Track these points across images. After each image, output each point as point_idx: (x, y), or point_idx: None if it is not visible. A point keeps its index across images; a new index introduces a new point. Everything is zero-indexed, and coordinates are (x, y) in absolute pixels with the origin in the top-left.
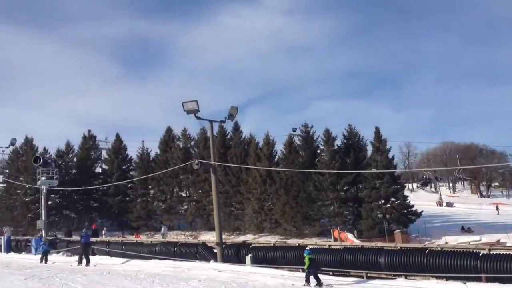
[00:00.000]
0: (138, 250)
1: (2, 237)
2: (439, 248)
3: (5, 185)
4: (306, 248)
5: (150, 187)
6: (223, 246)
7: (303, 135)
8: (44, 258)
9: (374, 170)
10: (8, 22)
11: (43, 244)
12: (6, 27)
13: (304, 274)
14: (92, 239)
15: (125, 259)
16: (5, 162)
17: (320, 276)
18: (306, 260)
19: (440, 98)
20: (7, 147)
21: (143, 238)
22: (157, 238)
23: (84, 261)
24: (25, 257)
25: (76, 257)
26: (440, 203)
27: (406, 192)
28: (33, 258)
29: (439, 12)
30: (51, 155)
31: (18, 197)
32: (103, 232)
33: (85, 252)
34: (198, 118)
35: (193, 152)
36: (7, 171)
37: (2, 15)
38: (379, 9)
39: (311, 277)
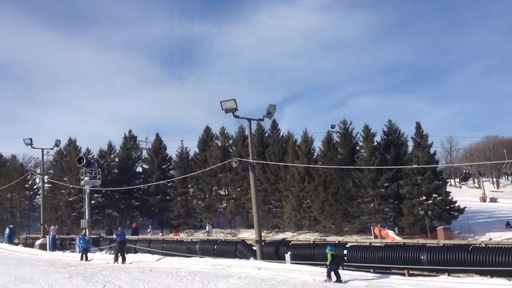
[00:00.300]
0: (178, 248)
1: (48, 236)
2: (483, 245)
3: (50, 185)
4: (328, 245)
5: (189, 185)
6: (263, 243)
7: (342, 131)
8: (84, 255)
9: (415, 165)
10: (52, 27)
11: (82, 242)
12: (51, 32)
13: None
14: (134, 237)
15: (166, 257)
16: (50, 163)
17: (343, 271)
18: (329, 256)
19: (484, 91)
20: (51, 149)
21: (183, 236)
22: (197, 236)
23: (120, 258)
24: (69, 255)
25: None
26: (483, 199)
27: (449, 188)
28: (77, 256)
29: (484, 2)
30: (94, 155)
31: (62, 197)
32: (148, 230)
33: (120, 250)
34: (237, 116)
35: (232, 150)
36: (51, 171)
37: (45, 20)
38: (420, 2)
39: (332, 272)
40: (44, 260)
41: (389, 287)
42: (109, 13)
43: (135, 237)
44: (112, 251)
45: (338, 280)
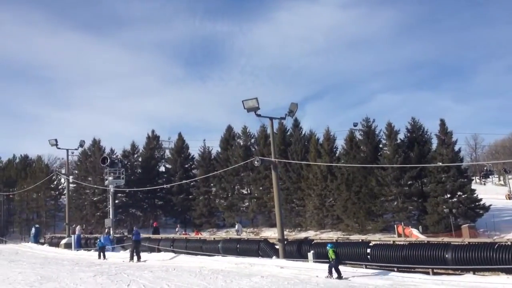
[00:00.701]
0: (201, 247)
1: (73, 235)
2: (508, 243)
3: (74, 185)
4: (328, 243)
5: (212, 185)
6: (285, 242)
7: (365, 129)
8: (101, 254)
9: (440, 163)
10: (76, 28)
11: (99, 241)
12: (75, 33)
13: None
14: (157, 236)
15: (180, 255)
16: (75, 164)
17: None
18: (331, 253)
19: (509, 87)
20: (76, 149)
21: (205, 235)
22: (220, 235)
23: (135, 257)
24: (94, 254)
25: (142, 253)
26: (509, 196)
27: (474, 186)
28: (113, 256)
29: None
30: (118, 155)
31: (87, 197)
32: (177, 230)
33: (136, 248)
34: (259, 115)
35: (254, 149)
36: (76, 172)
37: (71, 22)
38: None
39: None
40: (69, 259)
41: (414, 286)
42: (133, 15)
43: (158, 236)
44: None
45: (339, 276)
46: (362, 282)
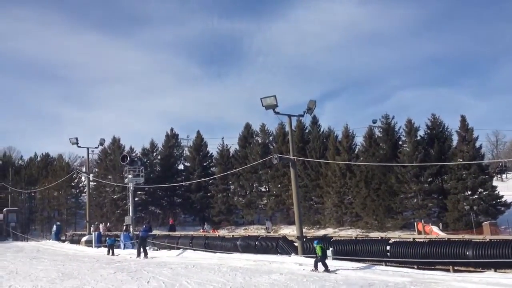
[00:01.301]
0: (220, 244)
1: (93, 233)
2: None
3: (95, 183)
4: (315, 239)
5: (230, 182)
6: (304, 239)
7: (384, 126)
8: (110, 250)
9: (460, 160)
10: (95, 28)
11: (108, 238)
12: (94, 33)
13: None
14: (177, 233)
15: (185, 251)
16: (95, 162)
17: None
18: (318, 249)
19: None
20: (96, 147)
21: (223, 232)
22: (238, 232)
23: (142, 254)
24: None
25: (161, 251)
26: None
27: (495, 182)
28: (121, 253)
29: None
30: (137, 153)
31: (107, 195)
32: (205, 227)
33: (142, 245)
34: (277, 113)
35: (272, 147)
36: (96, 170)
37: (90, 22)
38: None
39: (319, 263)
40: (90, 256)
41: (435, 283)
42: (151, 15)
43: (177, 234)
44: (156, 248)
45: (326, 270)
46: (347, 274)
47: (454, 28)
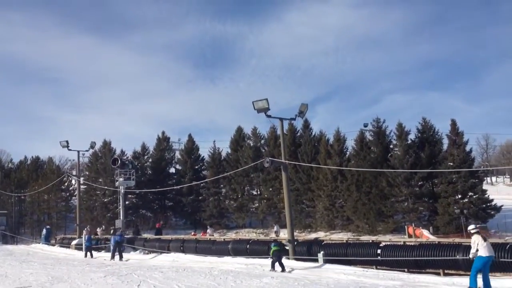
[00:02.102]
0: (211, 247)
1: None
2: None
3: (85, 187)
4: (272, 242)
5: (221, 186)
6: (295, 243)
7: (375, 130)
8: (88, 253)
9: (450, 164)
10: (88, 31)
11: (87, 241)
12: (87, 36)
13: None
14: (168, 237)
15: (160, 255)
16: (85, 165)
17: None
18: (272, 251)
19: None
20: (87, 150)
21: (215, 236)
22: (229, 236)
23: (117, 256)
24: (104, 255)
25: (152, 255)
26: None
27: (485, 186)
28: (99, 256)
29: None
30: (128, 157)
31: (98, 198)
32: (208, 231)
33: (118, 249)
34: (269, 116)
35: (264, 150)
36: (87, 173)
37: (83, 24)
38: None
39: (276, 264)
40: (80, 260)
41: (426, 286)
42: (143, 17)
43: (168, 237)
44: (147, 251)
45: (283, 270)
46: (339, 278)
47: (446, 32)
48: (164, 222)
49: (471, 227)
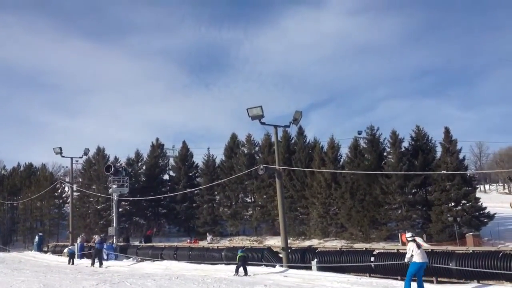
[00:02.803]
0: (204, 255)
1: (76, 244)
2: None
3: (78, 193)
4: (239, 249)
5: (215, 193)
6: (289, 250)
7: (369, 137)
8: (71, 260)
9: (444, 171)
10: (83, 36)
11: (69, 249)
12: (82, 41)
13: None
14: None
15: (192, 264)
16: (79, 172)
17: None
18: (238, 257)
19: None
20: (80, 157)
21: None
22: (223, 243)
23: (97, 263)
24: (96, 263)
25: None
26: None
27: (478, 194)
28: (104, 264)
29: None
30: (122, 163)
31: (91, 205)
32: (208, 239)
33: (98, 256)
34: (263, 123)
35: (258, 157)
36: (80, 180)
37: (78, 29)
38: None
39: (240, 268)
40: (72, 267)
41: None
42: (139, 23)
43: (161, 245)
44: (140, 259)
45: (245, 274)
46: (295, 281)
47: (441, 39)
48: (157, 229)
49: (408, 235)
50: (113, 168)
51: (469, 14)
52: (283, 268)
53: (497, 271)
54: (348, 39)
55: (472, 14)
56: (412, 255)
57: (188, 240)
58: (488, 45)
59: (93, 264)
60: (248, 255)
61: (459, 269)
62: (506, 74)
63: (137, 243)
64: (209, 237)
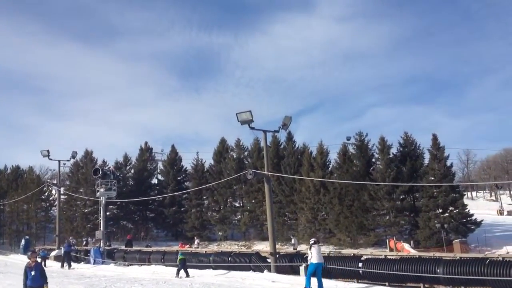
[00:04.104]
0: (192, 260)
1: (62, 248)
2: (500, 258)
3: (65, 197)
4: (180, 252)
5: (204, 197)
6: (277, 256)
7: (358, 143)
8: (43, 262)
9: (432, 178)
10: (73, 40)
11: (42, 251)
12: (72, 45)
13: None
14: (148, 249)
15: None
16: (66, 175)
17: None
18: (178, 259)
19: (503, 103)
20: (68, 160)
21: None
22: (211, 248)
23: (66, 266)
24: (83, 267)
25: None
26: (501, 212)
27: (465, 201)
28: (91, 268)
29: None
30: (110, 167)
31: (78, 209)
32: (195, 243)
33: (67, 258)
34: (252, 128)
35: (247, 162)
36: (68, 183)
37: (68, 33)
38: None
39: (182, 271)
40: (58, 271)
41: None
42: (129, 26)
43: (149, 249)
44: (127, 264)
45: (187, 275)
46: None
47: (430, 47)
48: (145, 233)
49: (311, 240)
50: (101, 172)
51: (458, 23)
52: (271, 273)
53: (484, 278)
54: (337, 45)
55: (460, 24)
56: (311, 257)
57: (181, 244)
58: (476, 54)
59: (62, 266)
60: (186, 258)
61: (447, 275)
62: (492, 82)
63: (119, 247)
64: (196, 241)
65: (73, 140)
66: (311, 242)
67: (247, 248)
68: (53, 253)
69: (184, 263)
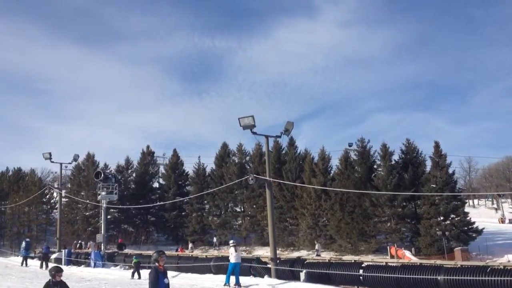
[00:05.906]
0: (193, 264)
1: (63, 250)
2: (501, 267)
3: (67, 199)
4: (134, 255)
5: (205, 202)
6: (277, 261)
7: (359, 149)
8: (24, 262)
9: (433, 185)
10: (75, 42)
11: (24, 251)
12: (75, 47)
13: None
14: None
15: (179, 273)
16: (68, 178)
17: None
18: (134, 262)
19: (506, 111)
20: (70, 163)
21: (196, 252)
22: (211, 252)
23: (44, 266)
24: (84, 270)
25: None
26: (502, 220)
27: (467, 209)
28: (91, 271)
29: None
30: (111, 170)
31: (79, 211)
32: (189, 247)
33: (45, 260)
34: (254, 133)
35: (248, 167)
36: (69, 186)
37: (71, 36)
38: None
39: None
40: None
41: None
42: (132, 30)
43: (149, 252)
44: (127, 267)
45: (139, 277)
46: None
47: (433, 53)
48: (146, 237)
49: (231, 241)
50: (102, 175)
51: (461, 30)
52: (272, 279)
53: (485, 287)
54: (340, 51)
55: (463, 30)
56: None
57: (181, 248)
58: (479, 61)
59: (41, 266)
60: (140, 261)
61: (447, 283)
62: (495, 90)
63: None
64: (190, 245)
65: (75, 142)
66: (231, 243)
67: (248, 253)
68: (53, 256)
69: (139, 266)
